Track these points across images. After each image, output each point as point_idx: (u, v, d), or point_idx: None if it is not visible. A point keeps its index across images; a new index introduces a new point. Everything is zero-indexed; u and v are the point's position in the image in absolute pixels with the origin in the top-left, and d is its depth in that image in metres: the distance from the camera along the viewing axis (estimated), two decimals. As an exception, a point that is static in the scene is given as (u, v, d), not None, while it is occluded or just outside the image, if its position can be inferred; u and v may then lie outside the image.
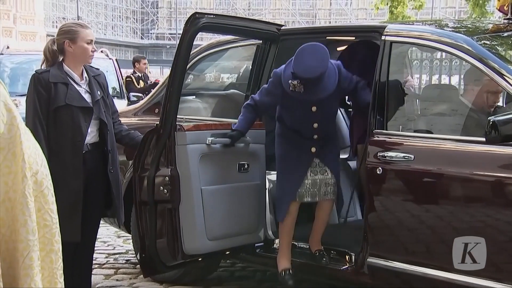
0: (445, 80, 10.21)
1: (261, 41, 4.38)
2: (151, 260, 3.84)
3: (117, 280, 4.71)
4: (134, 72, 11.09)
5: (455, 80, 10.19)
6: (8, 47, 11.07)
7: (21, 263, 1.87)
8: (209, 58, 5.07)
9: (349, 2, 59.91)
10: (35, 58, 9.40)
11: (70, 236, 3.57)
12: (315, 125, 3.73)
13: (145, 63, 11.36)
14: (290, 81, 3.53)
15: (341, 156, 4.66)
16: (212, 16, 3.89)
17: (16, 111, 1.90)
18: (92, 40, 3.71)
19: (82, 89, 3.68)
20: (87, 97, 3.67)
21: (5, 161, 1.86)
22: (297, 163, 3.80)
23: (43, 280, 1.99)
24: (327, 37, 4.79)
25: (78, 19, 33.27)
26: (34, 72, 3.67)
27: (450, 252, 3.25)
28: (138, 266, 4.44)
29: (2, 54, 10.35)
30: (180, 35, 3.79)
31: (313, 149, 3.78)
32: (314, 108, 3.67)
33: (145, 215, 3.86)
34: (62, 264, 2.10)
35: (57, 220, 2.06)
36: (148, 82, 11.11)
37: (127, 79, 10.88)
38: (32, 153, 1.94)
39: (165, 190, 3.66)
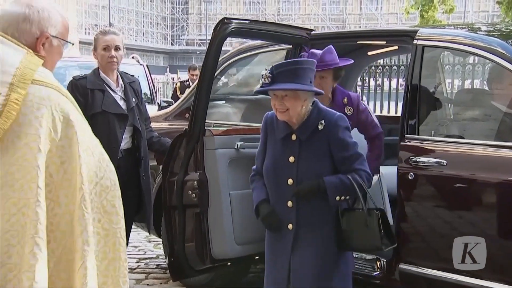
0: (477, 85, 10.07)
1: (291, 46, 4.35)
2: (179, 264, 3.84)
3: (147, 284, 4.73)
4: (187, 80, 10.81)
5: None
6: None
7: (77, 272, 1.93)
8: (239, 63, 5.08)
9: (379, 7, 59.54)
10: (70, 65, 9.48)
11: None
12: (290, 181, 2.92)
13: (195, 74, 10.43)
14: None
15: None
16: (240, 21, 3.88)
17: (77, 126, 1.99)
18: (109, 46, 3.67)
19: (118, 96, 3.71)
20: (122, 104, 3.70)
21: (65, 175, 1.94)
22: (276, 257, 3.02)
23: None
24: (358, 42, 4.76)
25: (109, 26, 33.66)
26: (72, 79, 3.71)
27: (483, 258, 3.19)
28: (169, 270, 4.46)
29: (36, 61, 10.44)
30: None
31: (290, 226, 2.95)
32: (292, 159, 2.92)
33: (174, 219, 3.87)
34: (126, 271, 2.13)
35: (121, 229, 2.11)
36: None
37: (181, 84, 10.71)
38: (92, 166, 2.02)
39: (194, 195, 3.66)
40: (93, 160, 2.04)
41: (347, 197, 2.91)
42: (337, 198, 2.87)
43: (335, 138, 2.88)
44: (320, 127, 2.89)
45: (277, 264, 3.00)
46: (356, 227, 2.90)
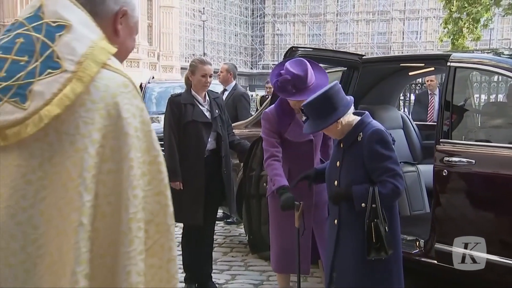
0: (501, 98, 9.65)
1: (345, 68, 4.30)
2: (257, 241, 3.86)
3: (232, 256, 4.77)
4: (266, 94, 10.64)
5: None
6: (153, 78, 11.56)
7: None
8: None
9: (419, 36, 57.94)
10: (175, 85, 9.74)
11: (194, 220, 3.69)
12: (336, 182, 2.68)
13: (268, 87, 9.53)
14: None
15: (410, 161, 4.48)
16: (305, 48, 3.87)
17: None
18: (206, 74, 3.73)
19: (204, 108, 3.78)
20: (208, 114, 3.77)
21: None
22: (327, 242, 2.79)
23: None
24: (401, 64, 4.65)
25: (203, 55, 34.32)
26: (170, 96, 3.83)
27: (504, 240, 3.09)
28: (248, 246, 4.48)
29: (150, 83, 10.75)
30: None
31: (335, 221, 2.67)
32: (338, 163, 2.68)
33: (252, 205, 3.89)
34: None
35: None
36: None
37: (261, 98, 10.52)
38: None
39: (268, 186, 3.66)
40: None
41: (373, 205, 2.50)
42: (363, 205, 2.51)
43: (367, 149, 2.55)
44: (359, 138, 2.60)
45: (326, 246, 2.80)
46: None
